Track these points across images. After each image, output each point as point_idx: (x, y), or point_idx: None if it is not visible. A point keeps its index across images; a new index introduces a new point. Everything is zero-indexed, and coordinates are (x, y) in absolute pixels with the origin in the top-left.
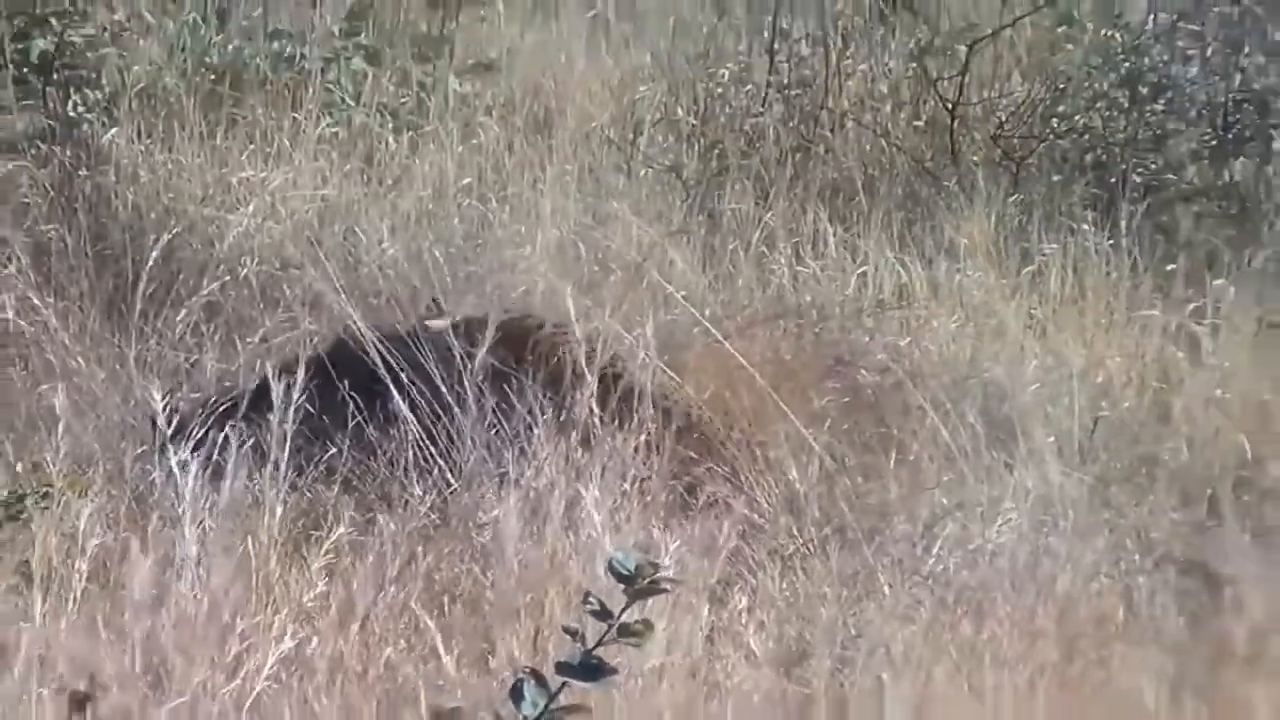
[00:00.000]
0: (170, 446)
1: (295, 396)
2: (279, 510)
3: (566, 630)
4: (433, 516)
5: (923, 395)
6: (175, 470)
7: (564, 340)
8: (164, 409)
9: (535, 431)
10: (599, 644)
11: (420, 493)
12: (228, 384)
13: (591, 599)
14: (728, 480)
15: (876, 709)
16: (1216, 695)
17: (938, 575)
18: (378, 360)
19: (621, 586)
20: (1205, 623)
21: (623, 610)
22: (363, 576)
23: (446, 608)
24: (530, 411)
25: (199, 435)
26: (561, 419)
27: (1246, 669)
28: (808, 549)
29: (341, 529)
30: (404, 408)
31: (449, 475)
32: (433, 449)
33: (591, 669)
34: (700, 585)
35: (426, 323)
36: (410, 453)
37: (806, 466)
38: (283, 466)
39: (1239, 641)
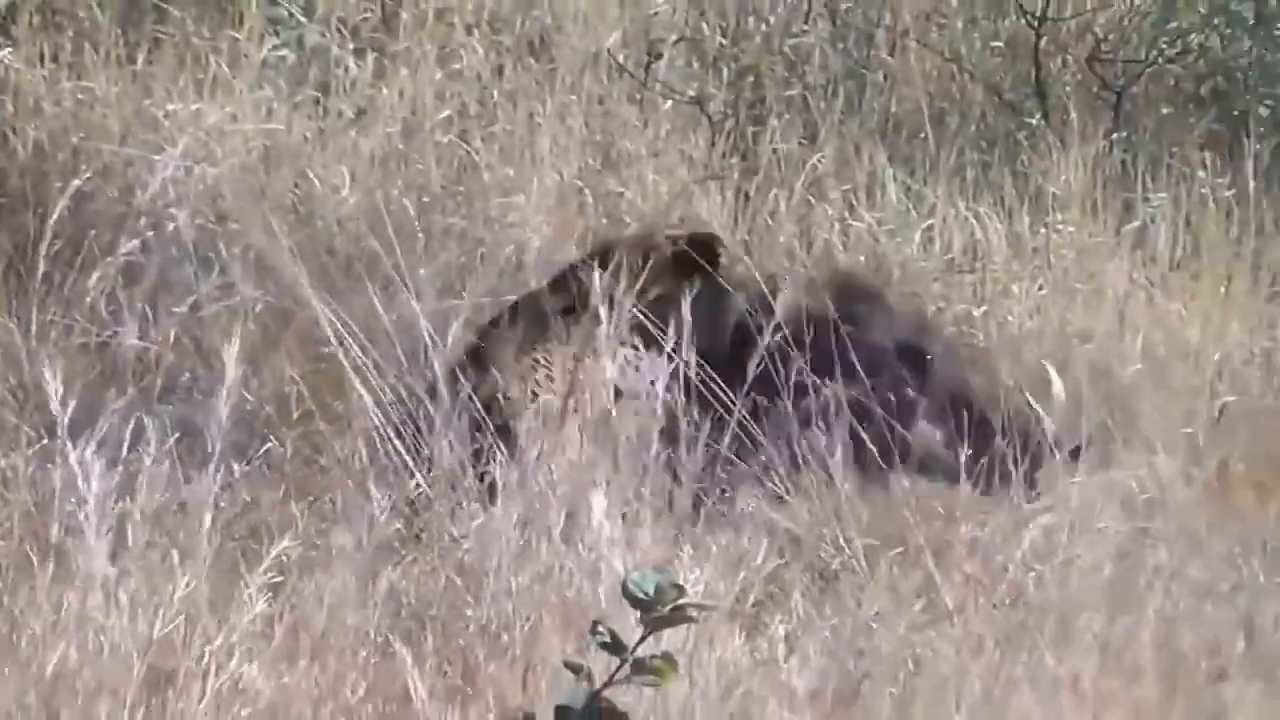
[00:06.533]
0: (70, 441)
1: (229, 375)
2: (208, 516)
3: (569, 666)
4: (398, 527)
5: (1004, 374)
6: (76, 468)
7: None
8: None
9: (524, 425)
10: (609, 683)
11: (382, 497)
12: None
13: (600, 628)
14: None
15: None
16: None
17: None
18: (331, 335)
19: (637, 613)
20: None
21: (639, 642)
22: (314, 597)
23: (417, 636)
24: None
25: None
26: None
27: None
28: (856, 563)
29: (287, 540)
30: (364, 393)
31: (419, 475)
32: (398, 443)
33: (599, 713)
34: (727, 609)
35: None
36: (370, 447)
37: None
38: (213, 463)
39: None
